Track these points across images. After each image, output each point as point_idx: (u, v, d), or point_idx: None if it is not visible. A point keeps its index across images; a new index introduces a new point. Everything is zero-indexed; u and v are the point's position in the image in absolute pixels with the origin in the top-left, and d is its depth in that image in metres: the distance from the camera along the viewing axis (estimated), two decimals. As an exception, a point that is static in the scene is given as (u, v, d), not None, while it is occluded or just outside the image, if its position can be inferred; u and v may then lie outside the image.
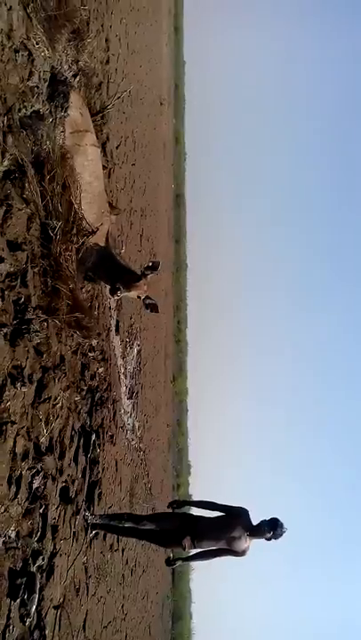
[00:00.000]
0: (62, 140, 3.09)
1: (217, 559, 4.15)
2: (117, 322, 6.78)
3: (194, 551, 4.17)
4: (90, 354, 4.75)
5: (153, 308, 3.97)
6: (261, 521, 3.99)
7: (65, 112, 3.04)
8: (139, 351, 9.03)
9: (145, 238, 10.66)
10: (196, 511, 4.39)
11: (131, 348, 8.20)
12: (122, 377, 7.16)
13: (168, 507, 4.52)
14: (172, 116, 23.17)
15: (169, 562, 4.37)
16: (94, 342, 4.77)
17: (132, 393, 8.11)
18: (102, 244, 3.70)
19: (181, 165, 28.13)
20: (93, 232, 3.53)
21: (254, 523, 4.00)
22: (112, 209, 3.86)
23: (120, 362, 7.07)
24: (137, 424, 8.32)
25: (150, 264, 3.71)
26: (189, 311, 26.19)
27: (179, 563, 4.35)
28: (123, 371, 7.29)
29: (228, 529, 3.97)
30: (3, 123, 2.43)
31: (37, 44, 2.97)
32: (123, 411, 7.00)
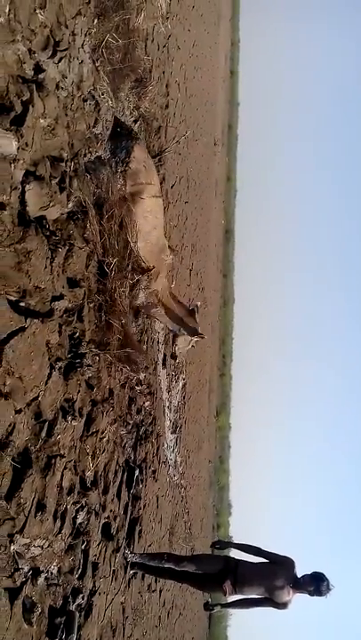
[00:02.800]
0: (123, 192, 3.23)
1: (257, 609, 3.97)
2: (165, 355, 6.82)
3: (234, 597, 4.00)
4: (137, 387, 4.78)
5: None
6: (304, 575, 3.77)
7: (126, 166, 3.17)
8: (184, 385, 9.01)
9: (194, 272, 10.79)
10: (237, 555, 4.23)
11: (176, 381, 8.20)
12: (166, 411, 7.15)
13: (211, 547, 4.39)
14: (225, 155, 23.69)
15: (207, 606, 4.21)
16: (142, 376, 4.80)
17: (176, 427, 8.05)
18: (165, 288, 3.89)
19: (231, 202, 28.54)
20: (149, 270, 3.62)
21: (300, 575, 3.81)
22: (171, 251, 3.99)
23: (165, 395, 7.07)
24: (179, 459, 8.22)
25: (201, 334, 4.28)
26: (235, 345, 26.02)
27: (217, 608, 4.18)
28: (167, 404, 7.27)
29: (271, 577, 3.79)
30: (70, 167, 2.56)
31: (103, 94, 3.15)
32: (166, 445, 6.95)
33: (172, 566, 4.16)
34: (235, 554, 4.23)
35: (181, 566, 4.14)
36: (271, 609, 3.89)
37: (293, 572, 3.80)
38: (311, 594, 3.74)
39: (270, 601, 3.81)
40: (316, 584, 3.70)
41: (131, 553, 4.12)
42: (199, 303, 4.63)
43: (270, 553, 3.93)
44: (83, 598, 2.86)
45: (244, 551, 4.05)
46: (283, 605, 3.80)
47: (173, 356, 4.72)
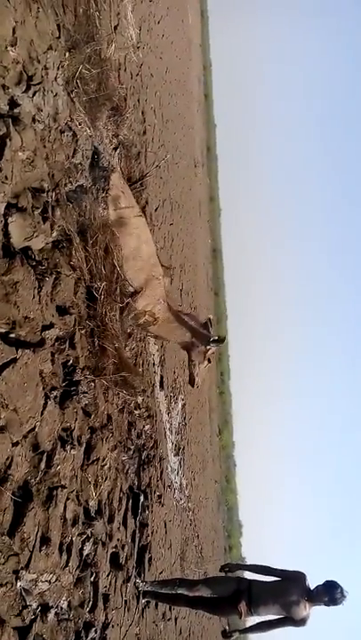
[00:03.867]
0: (106, 216, 3.28)
1: (277, 630, 3.87)
2: (161, 377, 6.79)
3: (251, 619, 3.91)
4: (136, 411, 4.74)
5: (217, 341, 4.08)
6: (317, 586, 3.72)
7: (106, 193, 3.24)
8: (183, 405, 8.96)
9: (185, 292, 10.85)
10: (249, 576, 4.15)
11: (175, 402, 8.15)
12: (167, 433, 7.08)
13: (220, 570, 4.31)
14: (206, 176, 24.06)
15: (225, 634, 4.07)
16: (140, 399, 4.77)
17: (178, 449, 7.97)
18: (164, 307, 3.86)
19: (217, 221, 28.91)
20: (137, 292, 3.63)
21: (312, 587, 3.74)
22: (165, 269, 4.00)
23: (165, 417, 7.01)
24: (184, 482, 8.11)
25: (217, 337, 4.00)
26: (232, 362, 26.00)
27: (236, 635, 4.05)
28: (168, 426, 7.21)
29: (285, 593, 3.73)
30: (51, 198, 2.59)
31: (80, 124, 3.20)
32: (170, 468, 6.87)
33: (185, 592, 4.07)
34: (246, 575, 4.16)
35: (195, 590, 4.06)
36: (290, 628, 3.81)
37: (306, 585, 3.74)
38: (327, 604, 3.68)
39: (288, 619, 3.74)
40: (330, 593, 3.64)
41: (142, 582, 4.03)
42: (211, 316, 4.44)
43: (279, 570, 3.88)
44: (96, 632, 2.79)
45: (254, 571, 4.00)
46: (301, 622, 3.72)
47: (192, 381, 4.20)
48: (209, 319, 4.18)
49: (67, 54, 3.01)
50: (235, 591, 3.88)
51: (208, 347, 4.00)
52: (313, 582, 3.77)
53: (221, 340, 4.01)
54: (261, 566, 3.98)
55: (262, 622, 3.85)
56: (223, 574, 4.26)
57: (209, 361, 4.16)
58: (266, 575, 3.91)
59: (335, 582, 3.66)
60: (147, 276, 3.75)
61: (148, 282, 3.78)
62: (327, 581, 3.67)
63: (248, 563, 4.17)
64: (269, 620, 3.83)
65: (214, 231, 26.83)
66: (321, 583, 3.70)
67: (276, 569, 3.89)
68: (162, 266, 4.06)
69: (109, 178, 3.23)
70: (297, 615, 3.68)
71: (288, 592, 3.72)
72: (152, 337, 4.42)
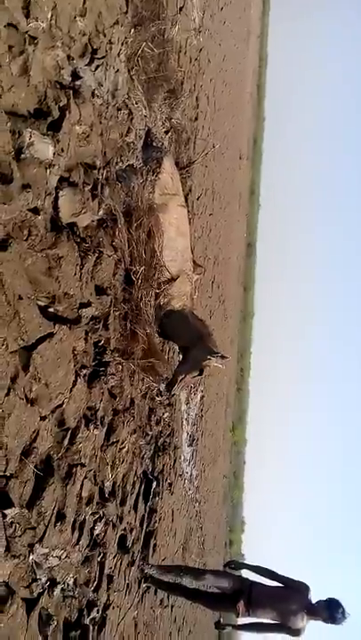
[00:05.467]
0: (152, 199, 3.23)
1: (270, 635, 3.88)
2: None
3: (246, 620, 3.88)
4: (157, 398, 4.73)
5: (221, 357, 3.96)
6: (318, 600, 3.63)
7: (156, 176, 3.19)
8: (202, 397, 8.92)
9: (216, 284, 10.76)
10: (252, 577, 4.10)
11: (195, 394, 8.12)
12: (184, 423, 7.07)
13: (224, 566, 4.27)
14: (250, 169, 23.74)
15: (219, 625, 4.09)
16: (162, 387, 4.76)
17: (193, 440, 7.96)
18: (185, 305, 3.78)
19: (255, 215, 28.55)
20: (173, 279, 3.59)
21: (314, 601, 3.65)
22: (196, 267, 3.93)
23: (183, 407, 7.00)
24: (195, 473, 8.11)
25: (221, 354, 3.83)
26: (254, 359, 25.82)
27: (229, 628, 4.08)
28: (185, 416, 7.20)
29: (285, 601, 3.66)
30: (102, 175, 2.56)
31: (137, 103, 3.16)
32: (182, 458, 6.86)
33: (189, 581, 4.06)
34: (248, 575, 4.11)
35: (200, 579, 4.04)
36: (284, 636, 3.75)
37: (308, 598, 3.67)
38: (326, 621, 3.59)
39: (283, 627, 3.67)
40: (331, 611, 3.55)
41: (147, 565, 4.04)
42: (226, 358, 4.18)
43: (284, 577, 3.80)
44: (97, 612, 2.80)
45: (258, 573, 3.93)
46: (296, 632, 3.64)
47: (170, 385, 4.22)
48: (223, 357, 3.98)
49: (132, 31, 2.97)
50: (235, 589, 3.85)
51: (207, 358, 3.82)
52: (316, 597, 3.69)
53: (223, 357, 3.86)
54: (266, 569, 3.91)
55: (257, 623, 3.80)
56: (226, 570, 4.23)
57: (200, 372, 3.99)
58: (269, 579, 3.84)
59: (338, 601, 3.57)
60: (177, 269, 3.70)
61: (177, 274, 3.73)
62: (330, 599, 3.59)
63: (253, 563, 4.12)
64: (264, 623, 3.78)
65: (251, 225, 26.52)
66: (324, 599, 3.61)
67: (280, 575, 3.82)
68: (194, 263, 4.00)
69: (162, 160, 3.17)
70: (293, 625, 3.60)
71: (288, 600, 3.66)
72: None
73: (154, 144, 3.25)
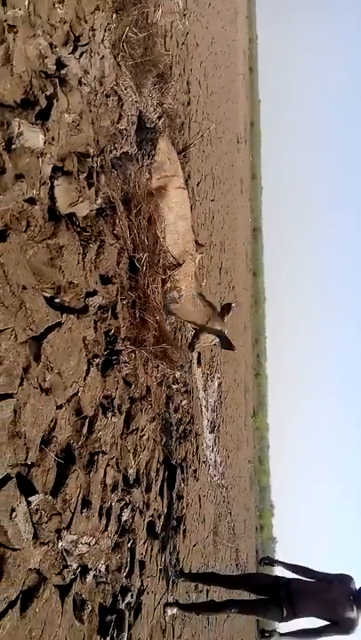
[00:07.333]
0: (150, 184, 3.22)
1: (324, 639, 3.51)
2: (199, 354, 6.76)
3: (292, 623, 3.59)
4: (174, 386, 4.74)
5: (228, 345, 4.12)
6: None
7: (152, 159, 3.16)
8: (219, 384, 8.93)
9: (224, 271, 10.71)
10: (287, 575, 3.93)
11: (212, 380, 8.13)
12: (203, 410, 7.09)
13: (259, 562, 4.20)
14: (249, 153, 23.52)
15: (264, 633, 3.78)
16: (178, 374, 4.77)
17: (214, 427, 7.98)
18: (190, 285, 3.80)
19: (258, 199, 28.31)
20: (179, 264, 3.58)
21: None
22: (198, 247, 3.93)
23: (202, 394, 7.01)
24: (218, 459, 8.13)
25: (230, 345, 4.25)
26: (269, 344, 25.73)
27: (276, 635, 3.73)
28: (204, 403, 7.21)
29: (327, 591, 3.47)
30: (96, 163, 2.55)
31: (126, 89, 3.13)
32: (205, 445, 6.89)
33: (221, 587, 4.00)
34: (284, 574, 3.94)
35: (233, 587, 4.00)
36: (338, 637, 3.52)
37: (351, 587, 3.47)
38: None
39: (333, 624, 3.40)
40: None
41: (177, 572, 3.95)
42: (234, 305, 4.56)
43: (322, 573, 3.63)
44: (132, 597, 2.83)
45: (293, 571, 3.77)
46: (349, 624, 3.36)
47: (190, 346, 4.67)
48: (231, 305, 4.28)
49: (114, 16, 2.94)
50: (272, 583, 3.67)
51: (216, 338, 4.20)
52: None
53: (232, 349, 4.33)
54: (301, 566, 3.74)
55: (305, 630, 3.56)
56: (259, 568, 4.14)
57: (214, 344, 4.40)
58: (305, 576, 3.67)
59: None
60: (180, 251, 3.69)
61: (180, 257, 3.72)
62: None
63: (288, 561, 3.95)
64: (313, 628, 3.51)
65: (255, 210, 26.32)
66: None
67: (317, 571, 3.65)
68: (196, 243, 4.00)
69: (157, 141, 3.15)
70: (342, 615, 3.36)
71: (330, 590, 3.47)
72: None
73: (147, 126, 3.23)
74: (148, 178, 3.27)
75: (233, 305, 4.39)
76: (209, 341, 4.30)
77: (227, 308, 4.36)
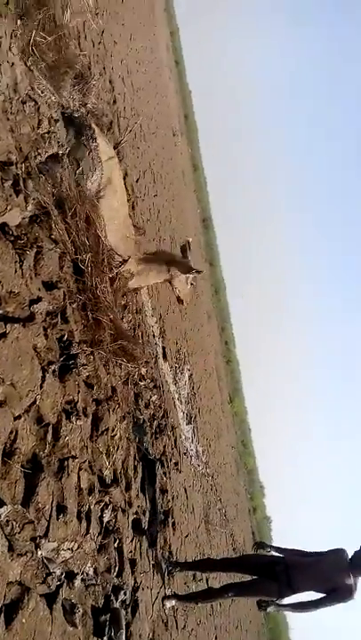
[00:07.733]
0: (102, 172, 3.25)
1: (323, 609, 3.56)
2: (163, 348, 6.79)
3: (291, 599, 3.68)
4: (141, 382, 4.75)
5: (192, 269, 4.31)
6: (355, 551, 3.53)
7: (95, 142, 3.22)
8: (190, 376, 8.99)
9: (178, 264, 10.75)
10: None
11: (181, 373, 8.18)
12: (177, 403, 7.13)
13: (253, 547, 4.28)
14: (187, 145, 23.62)
15: (261, 604, 3.76)
16: (143, 370, 4.77)
17: (190, 418, 8.04)
18: (132, 262, 3.86)
19: (204, 190, 28.49)
20: (125, 261, 3.59)
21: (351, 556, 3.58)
22: (137, 230, 3.97)
23: (173, 388, 7.05)
24: (200, 449, 8.20)
25: (196, 270, 4.37)
26: (235, 330, 26.02)
27: (273, 607, 3.71)
28: (177, 397, 7.25)
29: (324, 562, 3.58)
30: (21, 170, 2.53)
31: (42, 92, 3.10)
32: (183, 437, 6.93)
33: (219, 572, 4.05)
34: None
35: (230, 570, 4.06)
36: (336, 606, 3.53)
37: (346, 557, 3.56)
38: None
39: (332, 593, 3.47)
40: None
41: (169, 563, 3.98)
42: (190, 239, 4.72)
43: (316, 552, 3.73)
44: (125, 594, 2.84)
45: (289, 555, 3.84)
46: (348, 591, 3.42)
47: (179, 300, 4.70)
48: (188, 242, 4.40)
49: (18, 22, 2.90)
50: (269, 562, 3.76)
51: (187, 275, 4.35)
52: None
53: (198, 272, 4.41)
54: (297, 550, 3.84)
55: (303, 602, 3.62)
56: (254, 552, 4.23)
57: (192, 284, 4.53)
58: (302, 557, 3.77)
59: None
60: (122, 236, 3.75)
61: (122, 242, 3.77)
62: None
63: (283, 546, 4.03)
64: (311, 601, 3.58)
65: (202, 200, 26.50)
66: (359, 548, 3.51)
67: (311, 552, 3.75)
68: (134, 226, 4.08)
69: (92, 126, 3.19)
70: (340, 582, 3.43)
71: (326, 562, 3.57)
72: (139, 290, 4.61)
73: (75, 116, 3.25)
74: (99, 161, 3.32)
75: (188, 240, 4.53)
76: (185, 282, 4.41)
77: (185, 248, 4.52)
